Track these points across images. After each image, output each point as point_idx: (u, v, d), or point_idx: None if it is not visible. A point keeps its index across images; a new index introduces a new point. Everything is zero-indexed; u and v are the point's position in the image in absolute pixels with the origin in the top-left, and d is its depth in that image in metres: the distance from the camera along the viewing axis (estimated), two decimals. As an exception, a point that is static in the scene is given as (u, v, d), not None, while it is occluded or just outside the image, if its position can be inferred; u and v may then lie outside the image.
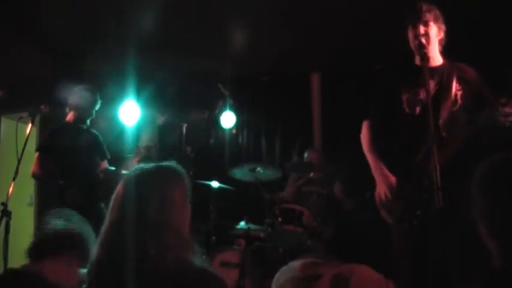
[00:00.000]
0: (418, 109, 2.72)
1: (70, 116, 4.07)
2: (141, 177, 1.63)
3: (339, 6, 4.37)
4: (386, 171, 2.77)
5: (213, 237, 4.76)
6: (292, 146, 6.01)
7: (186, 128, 5.10)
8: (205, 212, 4.82)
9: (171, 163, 1.74)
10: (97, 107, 4.10)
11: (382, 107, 2.89)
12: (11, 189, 3.35)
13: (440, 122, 2.55)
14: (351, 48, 5.23)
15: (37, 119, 3.73)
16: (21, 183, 3.82)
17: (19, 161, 3.53)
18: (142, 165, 1.70)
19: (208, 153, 6.04)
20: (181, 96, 6.15)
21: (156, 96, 5.93)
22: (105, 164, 4.15)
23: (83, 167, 3.92)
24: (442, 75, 2.74)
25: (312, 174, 5.03)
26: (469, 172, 2.50)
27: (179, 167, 1.73)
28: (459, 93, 2.70)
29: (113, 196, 1.64)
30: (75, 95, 4.02)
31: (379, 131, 2.91)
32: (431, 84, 2.65)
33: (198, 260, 1.59)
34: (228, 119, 5.81)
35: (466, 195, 2.45)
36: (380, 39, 4.89)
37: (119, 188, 1.64)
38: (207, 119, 6.26)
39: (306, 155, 5.20)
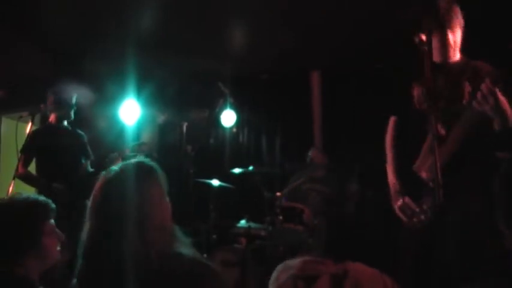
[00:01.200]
0: (426, 104, 2.58)
1: (52, 118, 4.09)
2: (115, 177, 1.62)
3: (339, 6, 4.37)
4: (391, 170, 2.80)
5: (214, 236, 4.77)
6: (292, 145, 6.01)
7: (187, 127, 5.11)
8: (206, 210, 4.82)
9: (142, 159, 1.72)
10: (74, 107, 4.11)
11: (407, 105, 2.83)
12: (11, 188, 3.36)
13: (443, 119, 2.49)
14: (351, 48, 5.23)
15: (37, 118, 3.74)
16: (22, 182, 3.84)
17: (19, 160, 3.54)
18: (114, 165, 1.68)
19: (208, 152, 6.05)
20: (182, 95, 6.15)
21: (157, 95, 5.93)
22: (86, 165, 4.17)
23: (66, 166, 3.95)
24: (454, 72, 2.65)
25: (313, 173, 5.05)
26: (469, 169, 2.53)
27: (149, 162, 1.71)
28: (469, 89, 2.55)
29: (91, 198, 1.63)
30: (53, 96, 4.03)
31: (402, 129, 2.91)
32: (442, 81, 2.60)
33: (188, 250, 1.58)
34: (228, 118, 5.81)
35: (466, 191, 2.50)
36: (380, 39, 4.89)
37: (95, 189, 1.64)
38: (207, 117, 6.26)
39: (309, 153, 5.21)
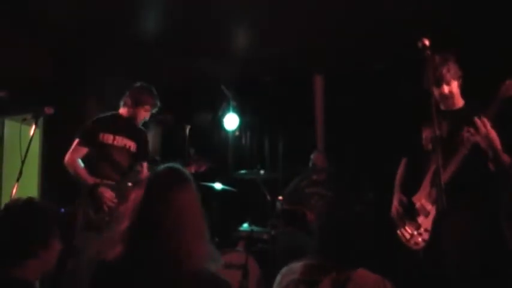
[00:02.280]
0: (431, 146, 3.05)
1: (122, 111, 3.86)
2: (162, 181, 1.68)
3: (341, 9, 4.37)
4: (397, 198, 3.26)
5: (216, 239, 4.76)
6: (295, 148, 6.00)
7: (190, 130, 5.10)
8: (209, 213, 4.82)
9: (177, 166, 1.77)
10: (154, 110, 3.90)
11: (418, 145, 3.21)
12: (14, 190, 3.36)
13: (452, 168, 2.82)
14: (354, 51, 5.23)
15: (40, 120, 3.73)
16: (25, 184, 3.83)
17: (23, 162, 3.54)
18: (158, 168, 1.75)
19: (211, 155, 6.05)
20: (185, 98, 6.16)
21: (160, 98, 5.93)
22: (145, 167, 3.90)
23: (118, 166, 3.75)
24: (456, 119, 2.98)
25: (315, 176, 5.05)
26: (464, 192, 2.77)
27: (184, 169, 1.77)
28: (466, 135, 2.86)
29: (133, 198, 1.68)
30: (134, 91, 3.82)
31: (410, 168, 3.39)
32: (445, 127, 2.96)
33: (215, 264, 1.66)
34: (231, 121, 5.81)
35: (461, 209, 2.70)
36: (383, 42, 4.89)
37: (138, 191, 1.68)
38: (210, 121, 6.27)
39: (311, 156, 5.21)
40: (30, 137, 3.65)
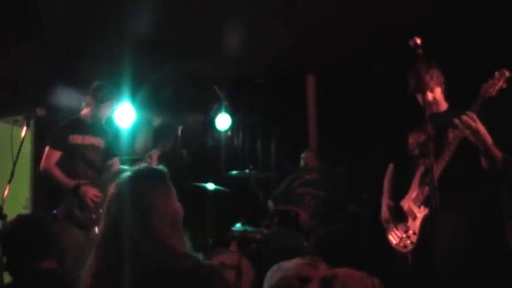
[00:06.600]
0: (417, 151, 3.13)
1: (85, 111, 3.97)
2: (128, 181, 1.69)
3: (334, 9, 4.38)
4: (386, 203, 3.31)
5: (210, 240, 4.77)
6: (287, 148, 6.01)
7: (182, 130, 5.10)
8: (202, 214, 4.82)
9: (151, 166, 1.86)
10: (114, 105, 4.01)
11: (404, 152, 3.27)
12: (6, 192, 3.35)
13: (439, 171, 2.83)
14: (346, 51, 5.25)
15: (32, 122, 3.73)
16: (17, 186, 3.81)
17: (14, 163, 3.52)
18: (128, 169, 1.77)
19: (203, 155, 6.04)
20: (177, 99, 6.15)
21: (152, 98, 5.92)
22: (117, 162, 4.06)
23: (93, 164, 3.86)
24: (440, 121, 2.99)
25: (307, 176, 5.06)
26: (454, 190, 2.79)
27: (158, 168, 1.81)
28: (452, 137, 2.94)
29: (107, 200, 1.68)
30: (94, 90, 3.90)
31: (398, 173, 3.43)
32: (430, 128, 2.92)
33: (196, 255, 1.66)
34: (223, 121, 5.80)
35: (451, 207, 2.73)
36: (375, 42, 4.91)
37: (111, 192, 1.68)
38: (202, 121, 6.26)
39: (302, 155, 5.21)
40: (21, 138, 3.63)
